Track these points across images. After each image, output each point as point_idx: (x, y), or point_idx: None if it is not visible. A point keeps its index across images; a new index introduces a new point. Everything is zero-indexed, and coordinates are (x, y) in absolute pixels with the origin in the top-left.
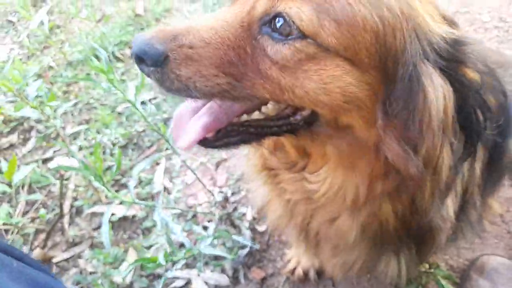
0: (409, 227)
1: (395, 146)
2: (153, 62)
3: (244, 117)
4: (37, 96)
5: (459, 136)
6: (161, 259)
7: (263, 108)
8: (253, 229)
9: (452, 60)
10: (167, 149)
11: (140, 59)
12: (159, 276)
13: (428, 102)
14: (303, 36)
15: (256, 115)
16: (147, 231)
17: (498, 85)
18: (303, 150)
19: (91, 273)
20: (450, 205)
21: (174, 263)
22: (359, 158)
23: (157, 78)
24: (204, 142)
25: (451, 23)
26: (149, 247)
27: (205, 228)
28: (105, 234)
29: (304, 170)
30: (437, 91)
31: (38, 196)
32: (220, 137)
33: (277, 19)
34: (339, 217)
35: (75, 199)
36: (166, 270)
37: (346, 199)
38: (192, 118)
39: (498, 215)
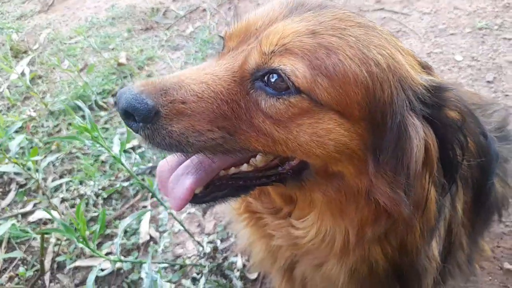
0: (399, 269)
1: (387, 190)
2: (143, 118)
3: (232, 169)
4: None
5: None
6: None
7: (252, 160)
8: (244, 278)
9: (434, 106)
10: (152, 197)
11: (128, 114)
12: None
13: (414, 151)
14: (297, 91)
15: (244, 167)
16: (133, 285)
17: (478, 127)
18: (289, 196)
19: None
20: (435, 246)
21: None
22: (348, 204)
23: (146, 135)
24: (194, 199)
25: (427, 68)
26: None
27: (194, 280)
28: None
29: (289, 216)
30: (421, 141)
31: (17, 254)
32: (208, 192)
33: (271, 75)
34: (326, 263)
35: (56, 253)
36: None
37: (335, 246)
38: (176, 175)
39: (490, 254)
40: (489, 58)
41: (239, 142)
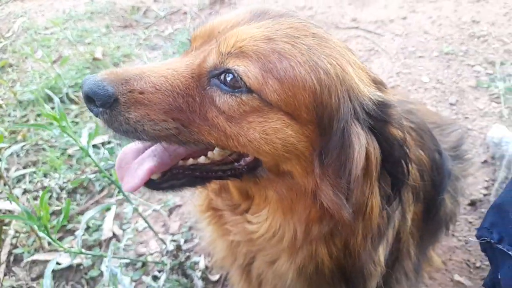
0: (344, 270)
1: (329, 192)
2: (103, 103)
3: (190, 160)
4: None
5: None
6: None
7: (209, 153)
8: (205, 278)
9: (378, 119)
10: (118, 194)
11: (90, 99)
12: None
13: (355, 156)
14: (249, 90)
15: (202, 159)
16: (93, 281)
17: (434, 145)
18: (246, 193)
19: None
20: (381, 251)
21: None
22: (297, 203)
23: (105, 119)
24: (150, 184)
25: (380, 84)
26: None
27: (155, 278)
28: (47, 287)
29: (247, 212)
30: (362, 148)
31: None
32: (165, 179)
33: (226, 74)
34: (278, 260)
35: (14, 246)
36: None
37: (284, 241)
38: (136, 160)
39: (441, 266)
40: (453, 82)
41: (192, 134)
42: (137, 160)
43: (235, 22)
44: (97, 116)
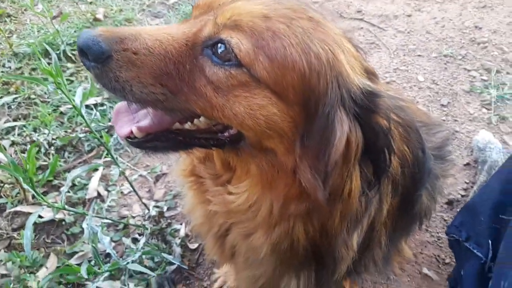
0: (317, 250)
1: (307, 173)
2: (95, 58)
3: (177, 125)
4: None
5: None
6: (83, 272)
7: (195, 121)
8: (184, 246)
9: (365, 108)
10: (106, 156)
11: (83, 52)
12: (78, 286)
13: (335, 141)
14: (239, 64)
15: (187, 125)
16: (73, 237)
17: (419, 142)
18: (229, 164)
19: (3, 276)
20: (355, 237)
21: (96, 275)
22: (277, 179)
23: (96, 74)
24: (134, 142)
25: (371, 74)
26: (72, 255)
27: (135, 240)
28: (27, 239)
29: (228, 183)
30: (344, 135)
31: None
32: (149, 139)
33: (219, 45)
34: (253, 234)
35: None
36: (87, 280)
37: (259, 216)
38: (130, 114)
39: (412, 258)
40: (447, 84)
41: (179, 102)
42: (135, 115)
43: None
44: (88, 70)
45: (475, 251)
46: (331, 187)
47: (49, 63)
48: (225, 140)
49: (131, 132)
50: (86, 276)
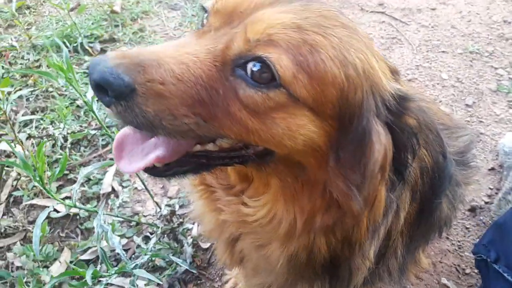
0: (336, 262)
1: (342, 185)
2: (118, 94)
3: (198, 147)
4: None
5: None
6: (88, 278)
7: (218, 141)
8: (196, 245)
9: (398, 114)
10: None
11: (101, 88)
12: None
13: (373, 155)
14: (278, 85)
15: (210, 146)
16: (87, 232)
17: (440, 147)
18: (245, 175)
19: (18, 268)
20: (372, 247)
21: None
22: (302, 193)
23: (118, 111)
24: (153, 171)
25: (396, 73)
26: (86, 249)
27: (146, 238)
28: (35, 237)
29: (242, 193)
30: (382, 147)
31: None
32: (170, 167)
33: (252, 64)
34: (268, 245)
35: (15, 188)
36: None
37: (280, 230)
38: (143, 144)
39: (428, 268)
40: (473, 83)
41: (212, 129)
42: (145, 145)
43: (257, 1)
44: (108, 107)
45: (505, 274)
46: (365, 196)
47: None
48: (250, 156)
49: (148, 164)
50: (90, 283)
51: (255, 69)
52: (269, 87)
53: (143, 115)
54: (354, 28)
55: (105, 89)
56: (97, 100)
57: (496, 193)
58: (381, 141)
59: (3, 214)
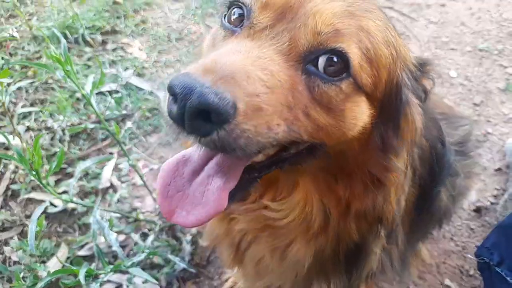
0: (361, 247)
1: (382, 161)
2: (224, 117)
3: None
4: None
5: None
6: (81, 278)
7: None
8: (195, 243)
9: (418, 78)
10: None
11: (201, 114)
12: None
13: (416, 123)
14: (348, 75)
15: (260, 157)
16: (85, 227)
17: (438, 134)
18: (267, 179)
19: (15, 263)
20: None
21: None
22: (336, 183)
23: (220, 137)
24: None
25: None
26: (83, 246)
27: (144, 235)
28: (31, 233)
29: (261, 198)
30: (421, 117)
31: None
32: (235, 193)
33: (325, 57)
34: (290, 245)
35: (12, 181)
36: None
37: (314, 227)
38: (196, 180)
39: (430, 261)
40: (481, 81)
41: (291, 134)
42: (199, 180)
43: None
44: (206, 136)
45: (508, 278)
46: (402, 164)
47: (69, 48)
48: (298, 154)
49: (222, 204)
50: (84, 282)
51: (326, 63)
52: (341, 79)
53: (243, 135)
54: (381, 9)
55: (205, 115)
56: (101, 93)
57: (502, 194)
58: (418, 110)
59: (1, 208)
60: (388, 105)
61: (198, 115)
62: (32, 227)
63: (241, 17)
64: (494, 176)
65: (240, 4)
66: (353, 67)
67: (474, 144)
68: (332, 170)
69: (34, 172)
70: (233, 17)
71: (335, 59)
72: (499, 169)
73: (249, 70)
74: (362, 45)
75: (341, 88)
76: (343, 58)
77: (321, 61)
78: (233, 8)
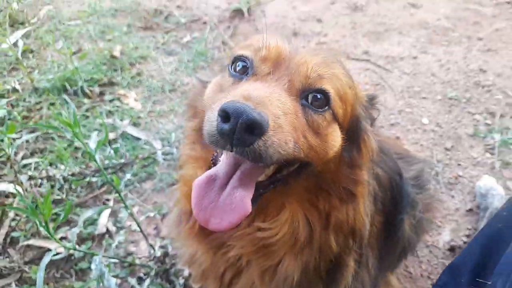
0: (339, 260)
1: (352, 176)
2: (263, 130)
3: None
4: None
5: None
6: None
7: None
8: (187, 286)
9: (369, 110)
10: (116, 195)
11: (249, 129)
12: None
13: (372, 145)
14: (329, 107)
15: (262, 177)
16: (81, 273)
17: (394, 166)
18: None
19: None
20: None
21: None
22: (317, 198)
23: (259, 146)
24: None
25: None
26: None
27: (140, 279)
28: (39, 278)
29: (253, 222)
30: (373, 139)
31: None
32: (255, 197)
33: (313, 94)
34: (280, 263)
35: (13, 229)
36: None
37: (300, 239)
38: (225, 191)
39: None
40: (451, 127)
41: (295, 150)
42: (226, 192)
43: (289, 50)
44: (249, 145)
45: None
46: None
47: (64, 100)
48: (288, 175)
49: (246, 209)
50: None
51: (314, 98)
52: (324, 110)
53: (271, 146)
54: (342, 62)
55: (250, 130)
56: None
57: (474, 233)
58: (373, 135)
59: (0, 254)
60: (352, 132)
61: (246, 130)
62: (40, 275)
63: (244, 68)
64: (466, 216)
65: (243, 58)
66: (332, 101)
67: (428, 179)
68: (314, 189)
69: (44, 224)
70: (237, 68)
71: (318, 96)
72: (470, 210)
73: (271, 99)
74: (335, 86)
75: (325, 117)
76: (326, 95)
77: (310, 97)
78: (237, 62)
